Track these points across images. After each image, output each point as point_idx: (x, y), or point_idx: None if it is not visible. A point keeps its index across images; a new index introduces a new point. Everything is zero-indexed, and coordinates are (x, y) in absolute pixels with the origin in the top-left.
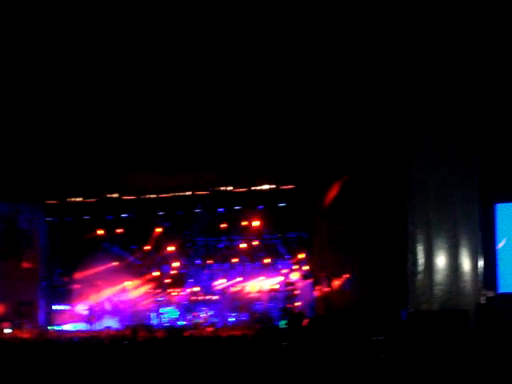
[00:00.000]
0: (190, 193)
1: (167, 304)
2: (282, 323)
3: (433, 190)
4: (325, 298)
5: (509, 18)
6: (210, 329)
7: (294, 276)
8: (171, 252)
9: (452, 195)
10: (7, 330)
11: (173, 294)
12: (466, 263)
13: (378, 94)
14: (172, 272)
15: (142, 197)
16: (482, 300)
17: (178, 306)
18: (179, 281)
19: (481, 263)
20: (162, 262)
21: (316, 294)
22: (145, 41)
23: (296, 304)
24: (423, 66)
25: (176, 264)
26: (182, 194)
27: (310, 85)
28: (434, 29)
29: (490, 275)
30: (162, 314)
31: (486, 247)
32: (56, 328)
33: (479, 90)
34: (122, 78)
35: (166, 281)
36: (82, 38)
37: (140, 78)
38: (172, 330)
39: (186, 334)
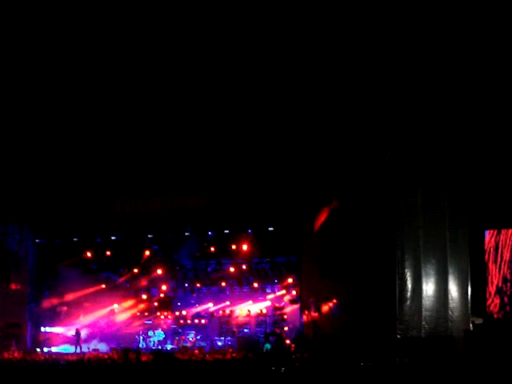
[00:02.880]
0: (178, 216)
1: (155, 327)
2: (267, 346)
3: (421, 217)
4: (313, 322)
5: (489, 52)
6: (198, 352)
7: (283, 300)
8: (159, 275)
9: (441, 221)
10: None
11: (161, 317)
12: (454, 289)
13: (369, 124)
14: (160, 295)
15: (131, 220)
16: (471, 326)
17: (166, 329)
18: (167, 304)
19: (469, 289)
20: (151, 285)
21: (304, 318)
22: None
23: (284, 328)
24: (413, 98)
25: (164, 287)
26: (171, 217)
27: (302, 114)
28: (418, 57)
29: (478, 302)
30: (150, 337)
31: (475, 273)
32: (43, 350)
33: (467, 117)
34: (114, 104)
35: (154, 304)
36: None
37: (131, 104)
38: (160, 353)
39: (174, 357)
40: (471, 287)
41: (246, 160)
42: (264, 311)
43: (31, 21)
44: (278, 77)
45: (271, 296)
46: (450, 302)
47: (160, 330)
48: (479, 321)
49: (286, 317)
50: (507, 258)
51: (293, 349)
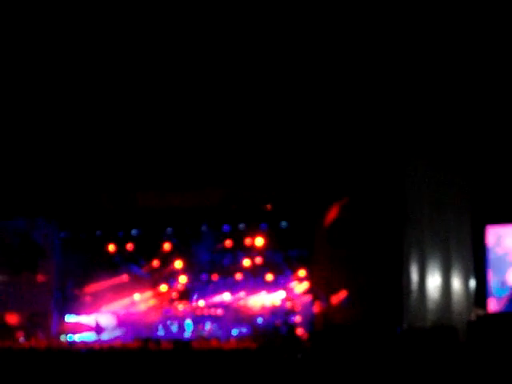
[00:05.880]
0: (196, 211)
1: (174, 317)
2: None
3: (427, 213)
4: (323, 313)
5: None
6: (215, 341)
7: (295, 292)
8: (178, 267)
9: (445, 218)
10: (21, 339)
11: (179, 307)
12: (457, 282)
13: (377, 121)
14: (178, 286)
15: (151, 214)
16: (473, 318)
17: (184, 319)
18: (185, 295)
19: (472, 282)
20: (170, 277)
21: (315, 309)
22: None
23: (296, 319)
24: (419, 94)
25: (182, 279)
26: (188, 211)
27: (312, 109)
28: (428, 60)
29: (480, 294)
30: (169, 326)
31: (477, 267)
32: (68, 338)
33: (471, 115)
34: (124, 94)
35: (173, 295)
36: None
37: (143, 95)
38: (179, 342)
39: (192, 346)
40: (474, 281)
41: (261, 156)
42: (277, 302)
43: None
44: (284, 72)
45: (284, 288)
46: (454, 294)
47: (179, 320)
48: (482, 312)
49: (298, 308)
50: None
51: (305, 339)
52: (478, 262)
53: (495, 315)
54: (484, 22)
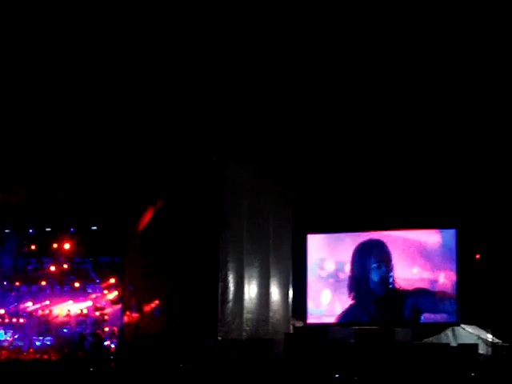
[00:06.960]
0: None
1: None
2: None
3: (246, 220)
4: (134, 323)
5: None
6: (13, 352)
7: (104, 300)
8: None
9: (265, 225)
10: None
11: None
12: (276, 292)
13: (196, 123)
14: None
15: None
16: (291, 329)
17: None
18: None
19: (291, 293)
20: None
21: (125, 319)
22: None
23: (105, 329)
24: (242, 97)
25: None
26: None
27: (128, 109)
28: (251, 61)
29: (299, 305)
30: None
31: (296, 277)
32: None
33: (295, 124)
34: None
35: None
36: None
37: None
38: None
39: None
40: (292, 291)
41: (69, 156)
42: (85, 311)
43: None
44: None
45: (93, 296)
46: (272, 304)
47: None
48: (299, 324)
49: (107, 317)
50: None
51: (113, 350)
52: (297, 272)
53: (312, 327)
54: None
